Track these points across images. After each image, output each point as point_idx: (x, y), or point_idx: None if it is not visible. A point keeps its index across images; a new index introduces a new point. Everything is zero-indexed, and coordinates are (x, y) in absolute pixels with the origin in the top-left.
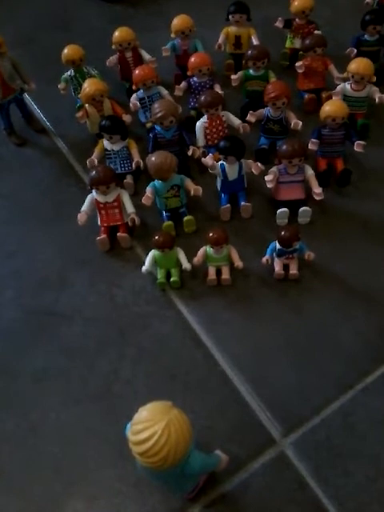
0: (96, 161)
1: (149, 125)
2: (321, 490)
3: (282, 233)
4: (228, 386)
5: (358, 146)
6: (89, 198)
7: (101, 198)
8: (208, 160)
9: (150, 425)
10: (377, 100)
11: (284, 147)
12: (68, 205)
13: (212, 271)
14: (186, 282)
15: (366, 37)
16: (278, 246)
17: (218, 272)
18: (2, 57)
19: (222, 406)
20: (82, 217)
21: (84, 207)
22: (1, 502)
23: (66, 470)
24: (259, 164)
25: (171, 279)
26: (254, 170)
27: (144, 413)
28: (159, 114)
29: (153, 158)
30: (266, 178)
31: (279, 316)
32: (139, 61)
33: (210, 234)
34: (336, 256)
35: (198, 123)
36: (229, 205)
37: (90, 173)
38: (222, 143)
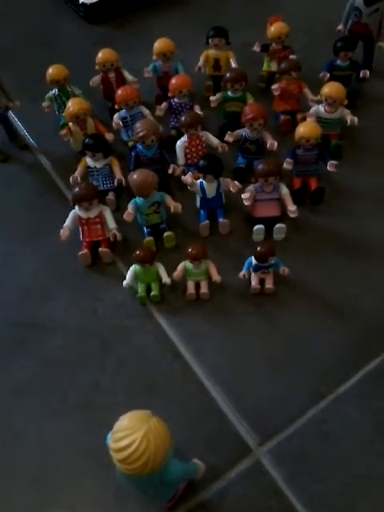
0: (79, 178)
1: (130, 143)
2: (296, 498)
3: (258, 248)
4: (205, 397)
5: (331, 165)
6: (71, 213)
7: (83, 214)
8: (187, 178)
9: (130, 432)
10: (349, 122)
11: (260, 166)
12: (50, 220)
13: (191, 285)
14: (165, 296)
15: (339, 62)
16: (254, 261)
17: (197, 286)
18: None
19: (199, 416)
20: (64, 232)
21: (66, 223)
22: None
23: (46, 480)
24: (236, 182)
25: (151, 293)
26: (231, 188)
27: (124, 421)
28: (141, 134)
29: (135, 176)
30: (243, 195)
31: (255, 328)
32: (122, 81)
33: (189, 250)
34: (310, 270)
35: (178, 142)
36: (208, 221)
37: (74, 189)
38: (201, 162)
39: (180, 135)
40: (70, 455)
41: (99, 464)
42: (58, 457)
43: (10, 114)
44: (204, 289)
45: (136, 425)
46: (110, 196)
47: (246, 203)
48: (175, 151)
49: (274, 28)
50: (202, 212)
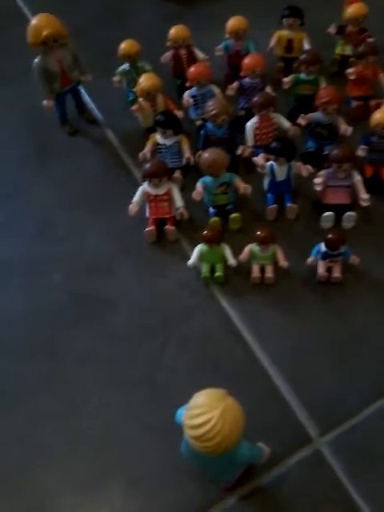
0: (148, 154)
1: (198, 122)
2: (356, 491)
3: (330, 236)
4: (267, 382)
5: None
6: (140, 189)
7: (152, 191)
8: (259, 159)
9: (207, 410)
10: None
11: (335, 151)
12: (116, 195)
13: (256, 269)
14: (229, 278)
15: None
16: (323, 248)
17: (262, 270)
18: (64, 48)
19: (260, 401)
20: (133, 207)
21: (135, 198)
22: (42, 478)
23: (107, 452)
24: (309, 167)
25: (215, 274)
26: (303, 172)
27: (201, 398)
28: (213, 112)
29: (206, 155)
30: (316, 180)
31: (320, 317)
32: (192, 59)
33: (258, 233)
34: (378, 261)
35: (248, 123)
36: (275, 205)
37: (144, 165)
38: (273, 144)
39: (248, 116)
40: (131, 430)
41: (160, 441)
42: (119, 429)
43: (80, 88)
44: (269, 273)
45: (213, 403)
46: (177, 174)
47: (318, 188)
48: (243, 132)
49: (352, 9)
50: (269, 195)
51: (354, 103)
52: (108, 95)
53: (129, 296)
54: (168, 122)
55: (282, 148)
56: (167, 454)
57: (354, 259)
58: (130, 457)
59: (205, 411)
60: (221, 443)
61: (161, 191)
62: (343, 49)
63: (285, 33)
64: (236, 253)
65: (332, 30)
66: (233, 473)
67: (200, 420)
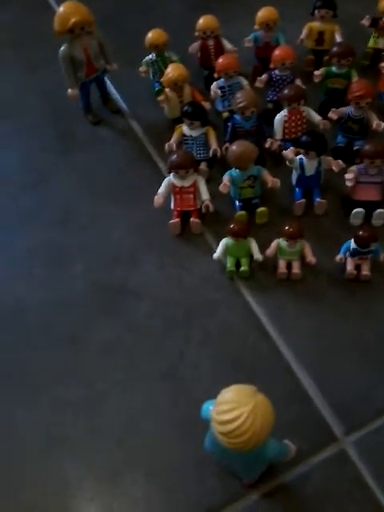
0: (174, 145)
1: (225, 114)
2: (381, 492)
3: (361, 233)
4: (292, 379)
5: None
6: (166, 181)
7: (178, 182)
8: (289, 153)
9: (236, 406)
10: None
11: (368, 147)
12: (140, 186)
13: (283, 264)
14: (254, 273)
15: None
16: (353, 245)
17: (288, 266)
18: (90, 36)
19: (284, 399)
20: (158, 199)
21: (161, 190)
22: (65, 466)
23: (128, 442)
24: (340, 162)
25: (241, 269)
26: (334, 167)
27: (230, 394)
28: (242, 104)
29: (234, 147)
30: (347, 176)
31: (348, 315)
32: (220, 50)
33: (287, 228)
34: None
35: (277, 116)
36: (304, 200)
37: (171, 156)
38: (304, 138)
39: (277, 109)
40: (152, 422)
41: (181, 435)
42: (139, 422)
43: (106, 77)
44: (296, 269)
45: (243, 399)
46: (203, 166)
47: (349, 184)
48: (271, 125)
49: None
50: (297, 190)
51: None
52: (133, 85)
53: (152, 288)
54: (195, 114)
55: (313, 142)
56: (188, 448)
57: None
58: (150, 449)
59: (235, 407)
60: (250, 440)
61: (187, 183)
62: (376, 42)
63: (316, 24)
64: (262, 247)
65: (366, 22)
66: (258, 469)
67: (230, 416)
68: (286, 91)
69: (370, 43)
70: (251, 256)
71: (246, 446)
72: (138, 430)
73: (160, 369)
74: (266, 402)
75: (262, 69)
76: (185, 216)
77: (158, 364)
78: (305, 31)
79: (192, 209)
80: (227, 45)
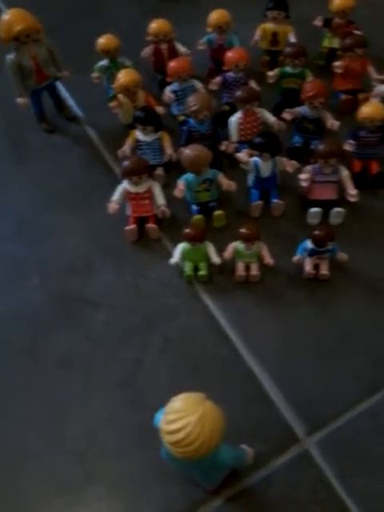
0: (128, 151)
1: (181, 118)
2: (345, 492)
3: (317, 232)
4: (252, 382)
5: None
6: (120, 187)
7: (132, 189)
8: (242, 155)
9: (183, 415)
10: None
11: (322, 146)
12: (97, 193)
13: (241, 267)
14: (212, 277)
15: None
16: (310, 245)
17: (247, 268)
18: (38, 43)
19: (245, 402)
20: (112, 206)
21: (114, 196)
22: (24, 483)
23: (89, 456)
24: (294, 162)
25: (199, 273)
26: (288, 168)
27: (177, 403)
28: (195, 108)
29: (187, 151)
30: (301, 176)
31: (307, 315)
32: (174, 53)
33: (243, 230)
34: (367, 258)
35: (232, 118)
36: (261, 201)
37: (123, 163)
38: (257, 139)
39: (233, 111)
40: (112, 433)
41: (142, 444)
42: (99, 433)
43: (59, 84)
44: (254, 271)
45: (190, 407)
46: (159, 171)
47: (304, 184)
48: (227, 127)
49: (339, 1)
50: (254, 191)
51: (343, 97)
52: (88, 92)
53: (109, 296)
54: (147, 119)
55: (266, 143)
56: (149, 457)
57: (342, 256)
58: (112, 460)
59: (182, 416)
60: (199, 449)
61: (141, 189)
62: (331, 41)
63: (269, 26)
64: (220, 250)
65: (318, 22)
66: (217, 476)
67: (177, 425)
68: (239, 93)
69: (325, 43)
70: (209, 260)
71: (195, 455)
72: (98, 441)
73: (118, 378)
74: (214, 408)
75: (217, 71)
76: (142, 222)
77: (116, 373)
78: (258, 33)
79: (148, 214)
80: (181, 48)
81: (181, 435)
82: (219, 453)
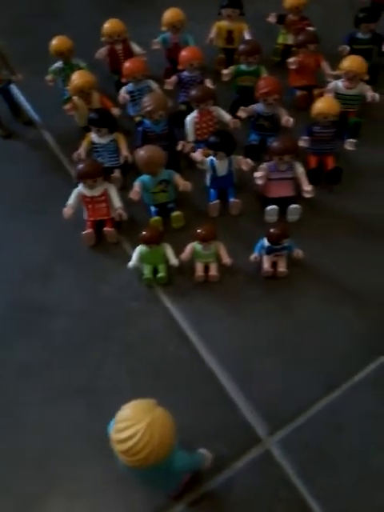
0: (83, 154)
1: (138, 119)
2: (307, 490)
3: (271, 230)
4: (214, 384)
5: (349, 144)
6: (75, 191)
7: (87, 192)
8: (197, 155)
9: (133, 423)
10: (369, 98)
11: (275, 144)
12: (54, 198)
13: (200, 267)
14: (172, 279)
15: (360, 35)
16: (266, 243)
17: (206, 268)
18: None
19: (207, 404)
20: (67, 211)
21: (70, 201)
22: None
23: (47, 466)
24: (249, 160)
25: (158, 275)
26: (243, 167)
27: (127, 411)
28: (149, 108)
29: (141, 152)
30: (256, 174)
31: (267, 313)
32: (129, 54)
33: (199, 231)
34: (325, 254)
35: (187, 118)
36: (218, 201)
37: (77, 166)
38: (212, 138)
39: (190, 110)
40: (71, 441)
41: (102, 452)
42: (59, 442)
43: (14, 88)
44: (213, 271)
45: (139, 415)
46: (116, 173)
47: (259, 182)
48: (184, 127)
49: None
50: (211, 191)
51: (298, 93)
52: (43, 95)
53: (69, 303)
54: (101, 120)
55: (221, 142)
56: (110, 465)
57: (298, 253)
58: (72, 469)
59: (131, 424)
60: (149, 456)
61: (96, 192)
62: (285, 38)
63: (224, 24)
64: (180, 251)
65: (272, 19)
66: (175, 482)
67: (126, 434)
68: (193, 92)
69: (280, 39)
70: (168, 262)
71: (145, 463)
72: (56, 451)
73: (78, 386)
74: (164, 415)
75: (174, 70)
76: (100, 225)
77: (76, 381)
78: (214, 31)
79: (105, 218)
80: (136, 48)
81: (130, 443)
82: (173, 459)
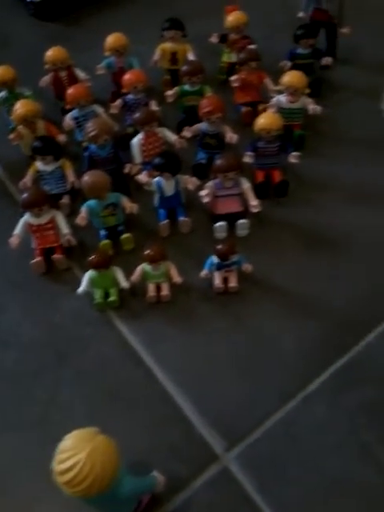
0: (29, 182)
1: (85, 144)
2: (267, 504)
3: (219, 247)
4: (169, 404)
5: (293, 157)
6: (21, 221)
7: (34, 221)
8: (142, 177)
9: (72, 454)
10: (310, 111)
11: (218, 162)
12: (2, 228)
13: (151, 288)
14: (125, 301)
15: (300, 50)
16: (215, 259)
17: (158, 288)
18: None
19: (163, 425)
20: (14, 240)
21: (16, 230)
22: None
23: (1, 503)
24: (194, 179)
25: (109, 299)
26: (189, 186)
27: (68, 441)
28: (93, 133)
29: (86, 178)
30: (201, 193)
31: (221, 329)
32: (74, 80)
33: (146, 252)
34: (276, 266)
35: (133, 140)
36: (167, 220)
37: (22, 195)
38: (157, 160)
39: (136, 133)
40: (24, 476)
41: (57, 485)
42: (11, 477)
43: None
44: (165, 291)
45: (79, 445)
46: (65, 199)
47: (205, 200)
48: (131, 149)
49: (232, 17)
50: (160, 211)
51: (243, 109)
52: None
53: (19, 333)
54: (45, 148)
55: (166, 163)
56: (64, 500)
57: (247, 267)
58: (26, 505)
59: (71, 455)
60: (92, 486)
61: (43, 220)
62: (229, 56)
63: (168, 45)
64: (132, 274)
65: (214, 39)
66: (129, 507)
67: (67, 464)
68: (137, 115)
69: (224, 58)
70: (119, 285)
71: (89, 493)
72: (8, 487)
73: (30, 416)
74: (105, 442)
75: (119, 94)
76: (49, 253)
77: (28, 413)
78: (157, 53)
79: (54, 245)
80: (80, 74)
81: (71, 474)
82: (120, 485)
